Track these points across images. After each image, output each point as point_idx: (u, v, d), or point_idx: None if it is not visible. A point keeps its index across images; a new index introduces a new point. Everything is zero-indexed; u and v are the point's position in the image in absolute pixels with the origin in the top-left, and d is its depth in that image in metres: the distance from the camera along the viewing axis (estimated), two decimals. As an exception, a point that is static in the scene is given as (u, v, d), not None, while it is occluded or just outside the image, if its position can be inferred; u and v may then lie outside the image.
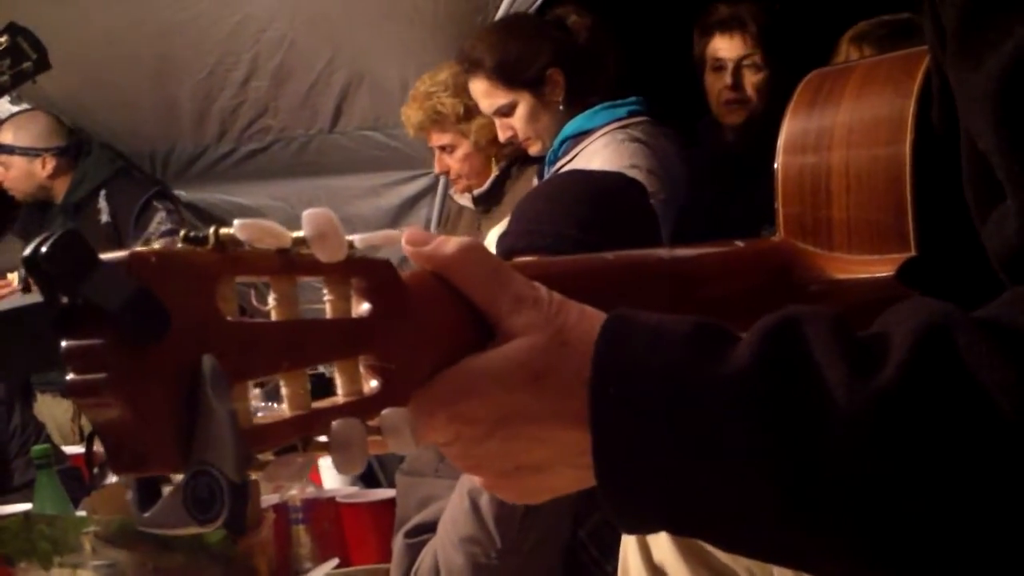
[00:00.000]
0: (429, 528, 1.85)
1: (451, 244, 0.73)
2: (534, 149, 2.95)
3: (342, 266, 0.67)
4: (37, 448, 2.56)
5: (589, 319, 0.73)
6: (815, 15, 3.38)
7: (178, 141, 4.40)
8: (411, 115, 3.30)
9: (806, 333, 0.68)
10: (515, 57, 2.87)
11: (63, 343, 0.57)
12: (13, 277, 3.90)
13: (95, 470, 2.47)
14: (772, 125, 3.14)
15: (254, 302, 0.65)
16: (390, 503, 2.39)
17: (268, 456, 0.64)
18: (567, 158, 2.79)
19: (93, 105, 4.39)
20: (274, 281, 0.65)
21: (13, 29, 3.16)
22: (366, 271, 0.68)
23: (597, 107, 2.85)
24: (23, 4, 3.64)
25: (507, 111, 2.92)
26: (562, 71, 2.87)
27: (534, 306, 0.72)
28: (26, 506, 2.48)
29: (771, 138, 3.03)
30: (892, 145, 0.93)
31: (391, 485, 2.75)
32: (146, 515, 0.59)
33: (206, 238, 0.62)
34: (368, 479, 3.24)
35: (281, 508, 2.43)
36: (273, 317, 0.65)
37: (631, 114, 2.84)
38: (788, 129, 1.00)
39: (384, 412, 0.68)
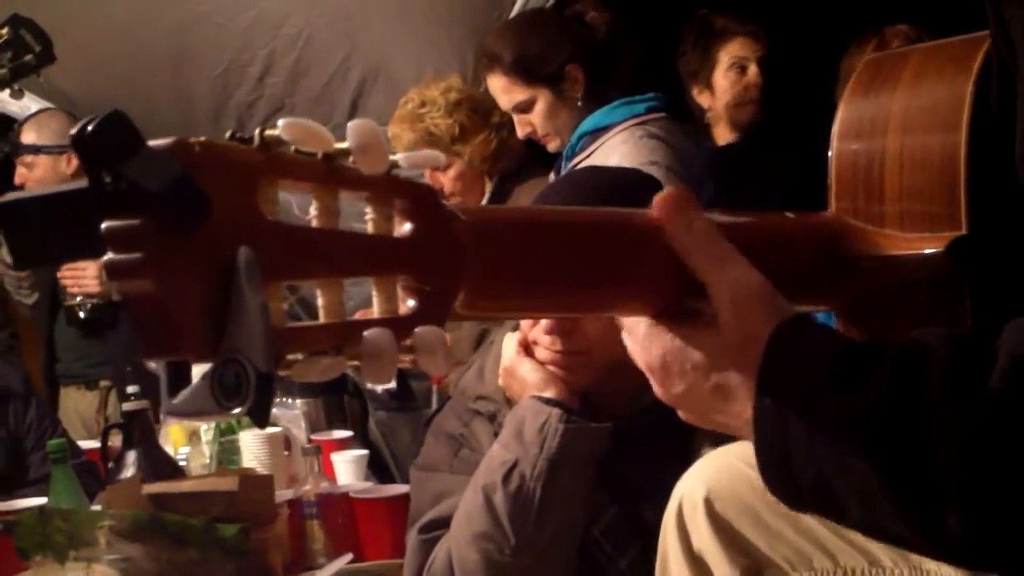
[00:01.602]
0: (443, 524, 1.84)
1: (689, 223, 0.83)
2: (553, 145, 2.94)
3: (384, 184, 0.69)
4: (52, 443, 2.57)
5: (765, 325, 0.82)
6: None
7: (195, 136, 4.39)
8: (401, 135, 3.19)
9: (924, 373, 0.76)
10: (535, 53, 2.86)
11: (104, 224, 0.59)
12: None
13: (110, 464, 2.46)
14: (773, 124, 3.15)
15: (296, 212, 0.66)
16: (404, 498, 2.39)
17: (298, 357, 0.65)
18: (585, 154, 2.78)
19: (109, 101, 4.39)
20: (317, 192, 0.67)
21: (16, 21, 3.10)
22: (409, 193, 0.70)
23: (616, 103, 2.83)
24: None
25: (526, 107, 2.91)
26: (581, 67, 2.85)
27: (738, 311, 0.83)
28: (41, 500, 2.48)
29: (774, 136, 2.98)
30: (948, 129, 0.94)
31: (405, 480, 2.75)
32: (175, 401, 0.61)
33: (252, 138, 0.63)
34: (382, 474, 3.24)
35: (295, 503, 2.43)
36: (314, 225, 0.66)
37: (650, 110, 2.83)
38: (843, 115, 1.01)
39: (418, 330, 0.69)
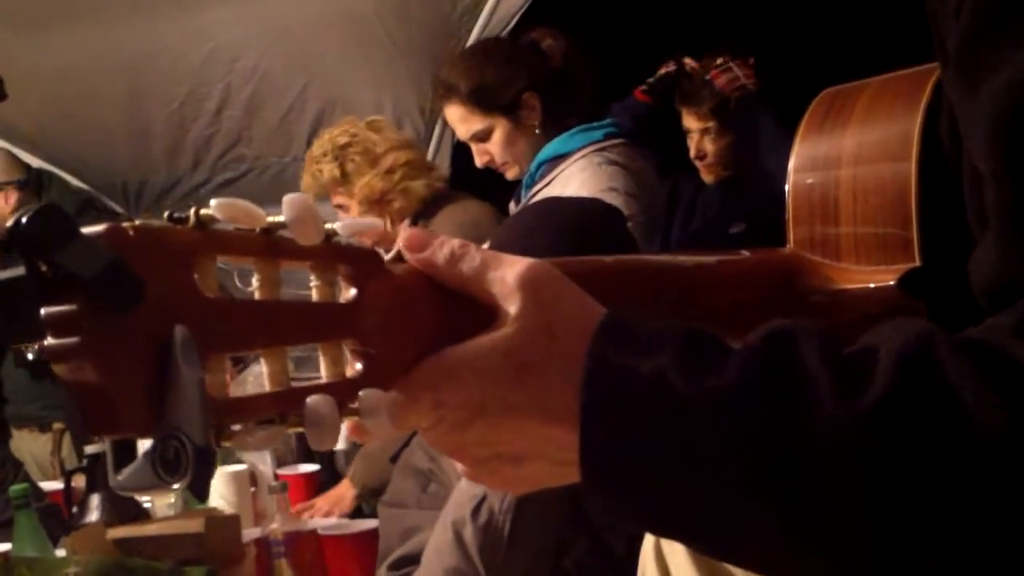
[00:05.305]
0: (413, 560, 1.83)
1: (443, 252, 0.74)
2: (511, 173, 2.93)
3: (327, 252, 0.70)
4: (15, 488, 2.52)
5: (582, 313, 0.73)
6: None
7: (151, 172, 4.39)
8: (306, 181, 3.26)
9: (797, 351, 0.68)
10: (491, 82, 2.85)
11: (43, 310, 0.61)
12: None
13: (74, 508, 2.43)
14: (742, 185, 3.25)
15: (238, 284, 0.67)
16: (372, 534, 2.37)
17: (240, 427, 0.67)
18: (544, 182, 2.77)
19: (64, 137, 4.37)
20: (258, 263, 0.68)
21: None
22: (351, 258, 0.71)
23: (573, 130, 2.83)
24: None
25: (483, 136, 2.90)
26: (538, 95, 2.85)
27: (529, 293, 0.73)
28: (5, 546, 2.45)
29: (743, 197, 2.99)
30: (899, 161, 0.95)
31: (374, 515, 2.73)
32: (120, 477, 0.63)
33: (187, 218, 0.65)
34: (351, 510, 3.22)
35: (262, 542, 2.41)
36: (256, 297, 0.68)
37: (607, 136, 2.82)
38: (799, 149, 1.02)
39: (362, 393, 0.70)
